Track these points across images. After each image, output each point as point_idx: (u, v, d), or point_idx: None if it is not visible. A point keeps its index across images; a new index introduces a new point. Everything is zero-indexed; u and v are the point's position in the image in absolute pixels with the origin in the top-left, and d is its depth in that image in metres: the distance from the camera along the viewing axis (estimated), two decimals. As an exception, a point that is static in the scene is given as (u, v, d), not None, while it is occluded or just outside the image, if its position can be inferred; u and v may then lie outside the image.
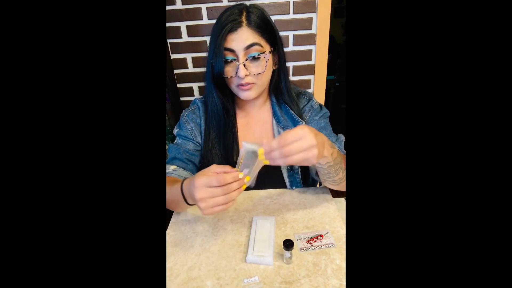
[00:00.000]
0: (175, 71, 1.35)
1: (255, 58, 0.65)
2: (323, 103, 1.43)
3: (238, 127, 0.79)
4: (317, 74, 1.37)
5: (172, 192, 0.61)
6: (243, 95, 0.70)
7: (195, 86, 1.39)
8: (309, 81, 1.39)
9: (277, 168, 0.79)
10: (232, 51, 0.64)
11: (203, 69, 0.73)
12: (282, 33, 1.26)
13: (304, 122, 0.76)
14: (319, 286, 0.49)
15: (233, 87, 0.70)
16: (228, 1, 1.21)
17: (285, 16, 1.24)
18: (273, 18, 1.23)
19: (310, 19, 1.25)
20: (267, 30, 0.66)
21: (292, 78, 1.37)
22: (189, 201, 0.57)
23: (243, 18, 0.64)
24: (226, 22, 0.63)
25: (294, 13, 1.24)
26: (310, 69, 1.36)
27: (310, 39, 1.29)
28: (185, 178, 0.58)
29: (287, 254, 0.53)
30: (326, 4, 1.22)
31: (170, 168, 0.74)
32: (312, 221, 0.65)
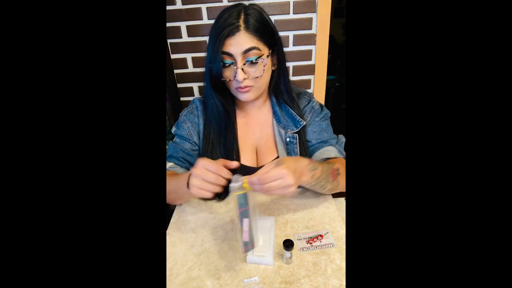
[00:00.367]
0: (175, 71, 1.35)
1: (253, 63, 0.65)
2: (323, 103, 1.43)
3: (238, 127, 0.79)
4: (317, 74, 1.37)
5: (175, 181, 0.64)
6: (242, 97, 0.70)
7: (195, 86, 1.39)
8: (309, 81, 1.39)
9: None
10: (230, 55, 0.64)
11: (203, 69, 0.73)
12: (282, 33, 1.26)
13: (305, 123, 0.76)
14: (319, 286, 0.49)
15: (232, 89, 0.71)
16: (228, 1, 1.21)
17: (285, 16, 1.24)
18: (273, 18, 1.23)
19: (310, 19, 1.25)
20: (266, 32, 0.66)
21: (292, 78, 1.37)
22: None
23: (241, 22, 0.63)
24: (224, 26, 0.62)
25: (294, 13, 1.24)
26: (310, 69, 1.36)
27: (310, 39, 1.29)
28: None
29: (287, 254, 0.53)
30: (326, 4, 1.22)
31: (167, 165, 0.76)
32: (312, 221, 0.65)
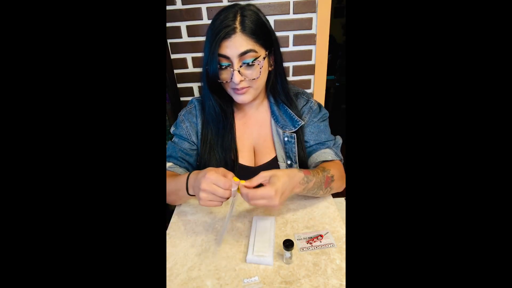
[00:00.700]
0: (175, 71, 1.36)
1: (249, 65, 0.65)
2: (323, 103, 1.43)
3: (236, 127, 0.79)
4: (317, 74, 1.37)
5: (174, 182, 0.66)
6: (239, 99, 0.70)
7: (195, 86, 1.40)
8: (309, 81, 1.39)
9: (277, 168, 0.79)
10: (226, 57, 0.64)
11: (201, 70, 0.73)
12: (282, 33, 1.27)
13: (303, 122, 0.76)
14: (319, 286, 0.49)
15: (229, 90, 0.71)
16: (228, 1, 1.21)
17: (285, 16, 1.24)
18: (273, 18, 1.24)
19: (310, 19, 1.25)
20: (262, 34, 0.65)
21: (292, 78, 1.37)
22: (190, 191, 0.61)
23: (237, 24, 0.62)
24: (220, 28, 0.62)
25: (294, 13, 1.24)
26: (310, 69, 1.36)
27: (310, 39, 1.29)
28: (193, 171, 0.64)
29: (287, 254, 0.53)
30: (326, 4, 1.22)
31: (167, 165, 0.77)
32: (312, 221, 0.65)
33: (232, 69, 0.64)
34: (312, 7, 1.23)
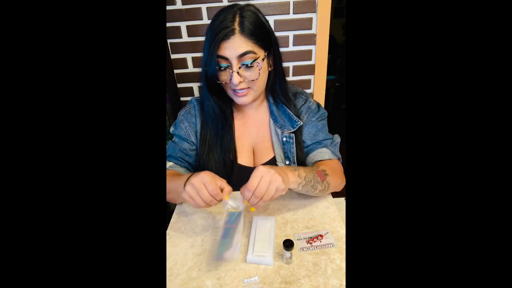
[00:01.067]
0: (175, 71, 1.36)
1: (248, 66, 0.64)
2: (323, 103, 1.43)
3: (235, 128, 0.79)
4: (317, 74, 1.37)
5: (174, 181, 0.66)
6: (239, 100, 0.70)
7: (195, 86, 1.40)
8: (309, 81, 1.39)
9: None
10: (225, 58, 0.63)
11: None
12: (282, 33, 1.27)
13: (302, 123, 0.76)
14: (319, 286, 0.49)
15: (229, 92, 0.70)
16: (228, 1, 1.21)
17: (285, 16, 1.24)
18: (273, 18, 1.24)
19: (310, 19, 1.25)
20: (261, 34, 0.65)
21: (292, 78, 1.37)
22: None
23: (236, 25, 0.62)
24: (219, 29, 0.62)
25: (294, 13, 1.24)
26: (310, 69, 1.36)
27: (310, 39, 1.29)
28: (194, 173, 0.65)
29: (287, 254, 0.53)
30: (326, 4, 1.22)
31: (168, 164, 0.77)
32: (312, 221, 0.65)
33: (231, 71, 0.64)
34: (312, 7, 1.23)
